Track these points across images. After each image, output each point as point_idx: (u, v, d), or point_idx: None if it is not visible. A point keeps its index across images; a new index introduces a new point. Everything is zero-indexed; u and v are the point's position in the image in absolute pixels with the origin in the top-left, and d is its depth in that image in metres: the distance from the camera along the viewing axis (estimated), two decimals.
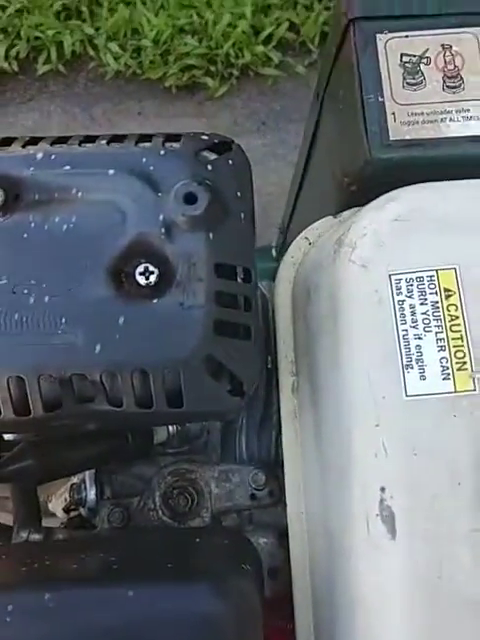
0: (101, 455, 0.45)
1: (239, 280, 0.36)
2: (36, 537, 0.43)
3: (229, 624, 0.32)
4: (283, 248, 0.84)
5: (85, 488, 0.46)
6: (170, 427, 0.48)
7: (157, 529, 0.45)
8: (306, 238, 0.44)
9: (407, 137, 0.41)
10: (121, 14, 1.45)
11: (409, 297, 0.33)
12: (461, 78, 0.42)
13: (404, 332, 0.32)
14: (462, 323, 0.32)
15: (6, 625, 0.30)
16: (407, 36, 0.43)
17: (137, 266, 0.34)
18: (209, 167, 0.36)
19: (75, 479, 0.47)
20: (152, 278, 0.34)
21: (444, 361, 0.32)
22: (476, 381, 0.32)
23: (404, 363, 0.32)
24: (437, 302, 0.32)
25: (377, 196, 0.40)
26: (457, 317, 0.32)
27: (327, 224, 0.43)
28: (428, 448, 0.31)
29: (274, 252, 0.93)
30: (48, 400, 0.33)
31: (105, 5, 1.47)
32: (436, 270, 0.33)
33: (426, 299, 0.33)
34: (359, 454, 0.32)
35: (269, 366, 0.48)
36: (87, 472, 0.46)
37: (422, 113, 0.42)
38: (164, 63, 1.46)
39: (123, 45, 1.46)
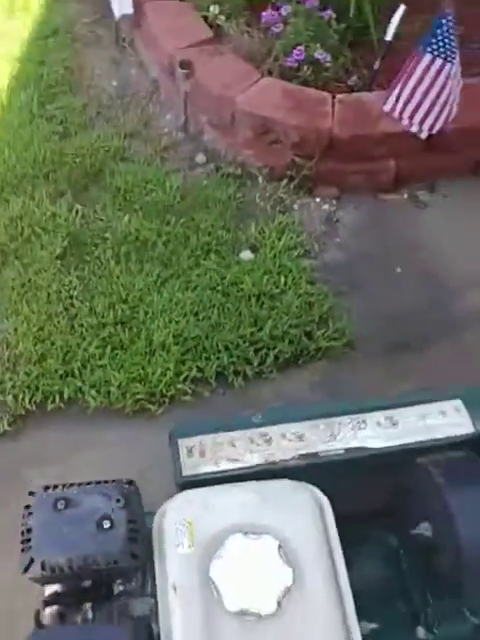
0: (94, 596, 1.25)
1: (137, 525, 1.22)
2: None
3: None
4: None
5: (88, 610, 1.25)
6: (119, 587, 1.30)
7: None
8: (162, 510, 1.30)
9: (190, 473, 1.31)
10: (97, 374, 2.46)
11: (176, 535, 1.18)
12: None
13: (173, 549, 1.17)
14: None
15: None
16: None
17: (103, 521, 1.20)
18: (125, 491, 1.25)
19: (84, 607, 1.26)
20: (109, 525, 1.20)
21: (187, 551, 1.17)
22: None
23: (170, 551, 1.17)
24: (186, 533, 1.18)
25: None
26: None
27: (164, 505, 1.30)
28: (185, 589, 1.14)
29: None
30: (80, 567, 1.17)
31: (88, 367, 2.48)
32: (188, 522, 1.18)
33: (184, 534, 1.18)
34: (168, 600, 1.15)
35: None
36: (88, 603, 1.25)
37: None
38: (124, 399, 2.43)
39: (99, 391, 2.45)
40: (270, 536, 1.13)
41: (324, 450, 1.30)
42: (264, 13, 3.12)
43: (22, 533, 1.20)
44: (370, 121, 2.88)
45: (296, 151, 2.92)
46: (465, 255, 2.79)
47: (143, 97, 3.37)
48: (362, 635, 1.17)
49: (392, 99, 2.79)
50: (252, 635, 1.07)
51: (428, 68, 2.66)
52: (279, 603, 1.09)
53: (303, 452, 1.30)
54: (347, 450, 1.31)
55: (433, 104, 2.74)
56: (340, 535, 1.19)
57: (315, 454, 1.30)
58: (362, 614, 1.18)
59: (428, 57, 2.62)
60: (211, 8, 3.24)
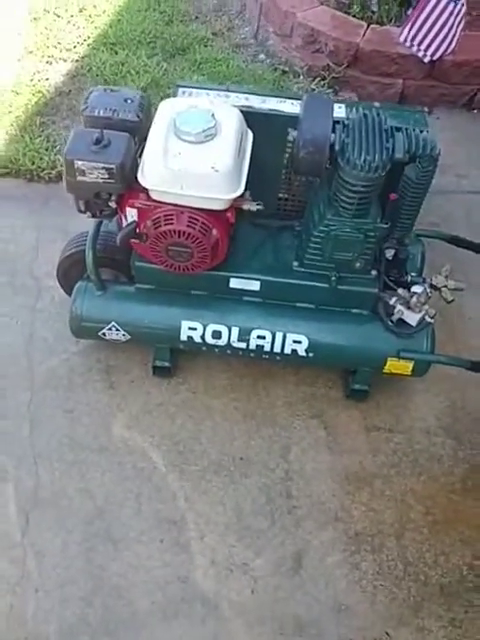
0: None
1: (147, 103, 2.19)
2: None
3: None
4: None
5: None
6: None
7: None
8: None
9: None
10: None
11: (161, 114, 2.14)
12: None
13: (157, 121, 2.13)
14: None
15: None
16: None
17: (127, 100, 2.17)
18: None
19: None
20: (131, 102, 2.17)
21: None
22: None
23: None
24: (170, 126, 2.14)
25: None
26: None
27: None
28: (160, 120, 2.10)
29: None
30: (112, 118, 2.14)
31: None
32: (171, 104, 2.14)
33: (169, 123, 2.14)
34: None
35: None
36: None
37: None
38: None
39: None
40: (207, 109, 2.08)
41: (258, 107, 2.25)
42: None
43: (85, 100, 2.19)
44: (390, 45, 3.83)
45: (331, 57, 3.89)
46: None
47: (232, 14, 4.46)
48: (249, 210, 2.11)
49: (405, 30, 3.73)
50: (189, 147, 2.02)
51: (435, 6, 3.58)
52: (205, 135, 2.02)
53: (246, 104, 2.24)
54: (270, 109, 2.25)
55: (436, 36, 3.67)
56: None
57: (251, 107, 2.25)
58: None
59: None
60: None
